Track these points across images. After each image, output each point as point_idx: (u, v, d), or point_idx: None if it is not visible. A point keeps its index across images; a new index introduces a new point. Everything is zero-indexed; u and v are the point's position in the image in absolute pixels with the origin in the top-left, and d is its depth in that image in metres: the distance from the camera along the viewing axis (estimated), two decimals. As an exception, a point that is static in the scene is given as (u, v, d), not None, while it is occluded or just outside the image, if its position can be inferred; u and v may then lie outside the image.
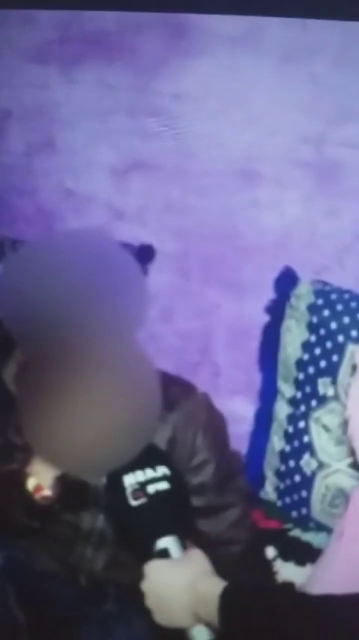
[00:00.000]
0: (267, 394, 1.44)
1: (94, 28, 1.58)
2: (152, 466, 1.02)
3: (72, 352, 0.97)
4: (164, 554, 0.99)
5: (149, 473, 1.02)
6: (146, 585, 0.98)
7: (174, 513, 1.02)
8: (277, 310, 1.43)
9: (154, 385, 1.00)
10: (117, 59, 1.55)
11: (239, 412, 1.45)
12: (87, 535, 1.16)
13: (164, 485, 1.01)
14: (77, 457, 0.97)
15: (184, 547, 1.00)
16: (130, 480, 1.01)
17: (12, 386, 1.15)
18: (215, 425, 1.19)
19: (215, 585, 0.93)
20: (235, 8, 1.44)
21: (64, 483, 1.08)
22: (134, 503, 1.00)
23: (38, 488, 1.06)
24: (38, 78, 1.63)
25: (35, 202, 1.67)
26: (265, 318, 1.46)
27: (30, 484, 1.06)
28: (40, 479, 1.05)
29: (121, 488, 1.01)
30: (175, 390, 1.16)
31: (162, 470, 1.03)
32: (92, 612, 1.15)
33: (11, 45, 1.65)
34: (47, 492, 1.06)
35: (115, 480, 1.03)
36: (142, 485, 1.01)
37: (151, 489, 1.01)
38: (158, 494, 1.00)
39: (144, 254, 1.53)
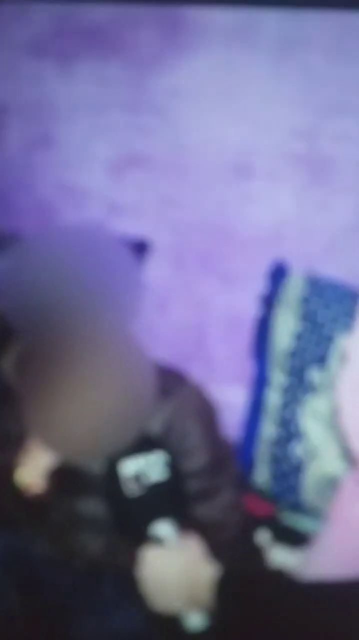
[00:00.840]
0: (260, 383, 1.45)
1: (90, 22, 1.58)
2: (147, 454, 1.02)
3: (70, 342, 0.99)
4: (160, 540, 0.99)
5: (144, 461, 1.01)
6: (142, 572, 0.98)
7: (169, 500, 1.03)
8: (269, 301, 1.43)
9: (147, 374, 1.01)
10: (113, 54, 1.55)
11: (232, 400, 1.45)
12: (84, 522, 1.16)
13: (159, 473, 1.02)
14: (74, 441, 0.99)
15: (179, 533, 1.00)
16: (126, 469, 1.01)
17: (10, 375, 1.14)
18: (207, 412, 1.20)
19: (210, 571, 0.94)
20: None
21: (57, 473, 1.07)
22: (129, 492, 1.00)
23: (28, 479, 1.07)
24: (34, 72, 1.62)
25: (33, 196, 1.67)
26: (257, 309, 1.45)
27: (21, 474, 1.06)
28: (32, 469, 1.06)
29: (116, 477, 1.01)
30: (169, 380, 1.17)
31: (157, 457, 1.02)
32: (89, 599, 1.15)
33: (7, 40, 1.63)
34: (36, 483, 1.06)
35: (111, 469, 1.02)
36: (138, 474, 1.00)
37: (146, 477, 1.00)
38: (153, 482, 1.01)
39: (140, 247, 1.53)
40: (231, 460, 1.23)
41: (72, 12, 1.55)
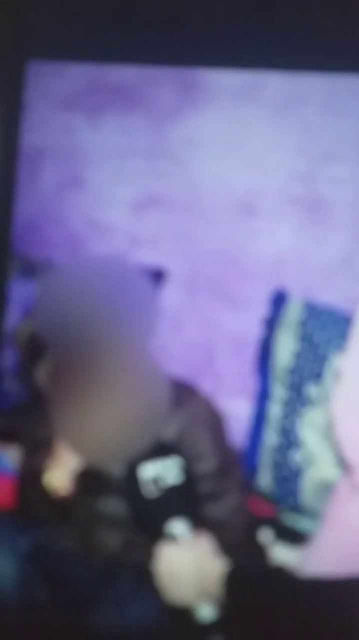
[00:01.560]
0: (263, 396, 1.44)
1: (116, 81, 1.61)
2: (164, 460, 1.00)
3: (95, 357, 1.00)
4: (175, 537, 1.00)
5: (162, 466, 1.00)
6: (158, 566, 1.00)
7: (184, 501, 1.05)
8: (271, 324, 1.43)
9: (162, 386, 1.02)
10: (136, 108, 1.58)
11: (237, 412, 1.43)
12: (105, 520, 1.15)
13: (174, 476, 1.01)
14: (97, 446, 1.01)
15: (192, 531, 1.01)
16: (144, 472, 1.00)
17: (44, 386, 1.13)
18: (216, 421, 1.21)
19: (220, 567, 0.95)
20: (237, 63, 1.43)
21: (80, 475, 1.06)
22: (147, 493, 1.00)
23: (55, 481, 1.08)
24: (67, 123, 1.63)
25: (64, 230, 1.65)
26: (261, 331, 1.46)
27: (49, 477, 1.08)
28: (60, 473, 1.08)
29: (136, 480, 0.99)
30: (182, 392, 1.18)
31: (173, 462, 1.01)
32: (108, 591, 1.14)
33: (44, 95, 1.64)
34: (64, 486, 1.08)
35: (131, 472, 1.00)
36: (156, 477, 0.99)
37: (163, 480, 0.99)
38: (170, 485, 1.03)
39: (158, 276, 1.52)
40: (238, 465, 1.22)
41: (100, 71, 1.59)
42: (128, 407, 0.97)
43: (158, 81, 1.54)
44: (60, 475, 1.06)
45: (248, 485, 1.27)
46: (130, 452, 0.99)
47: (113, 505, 1.13)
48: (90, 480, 1.11)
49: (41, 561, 1.10)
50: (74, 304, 1.00)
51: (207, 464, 1.14)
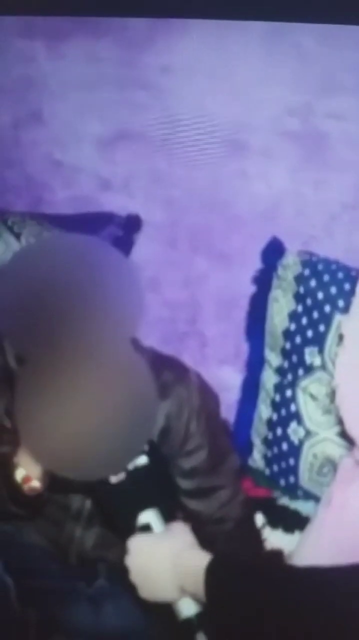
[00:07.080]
0: (255, 364, 1.39)
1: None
2: None
3: (67, 355, 0.89)
4: (146, 528, 0.95)
5: None
6: (130, 561, 0.93)
7: (154, 487, 0.97)
8: (264, 281, 1.38)
9: (149, 390, 0.92)
10: (103, 33, 1.48)
11: (227, 381, 1.40)
12: (76, 516, 1.11)
13: (142, 460, 0.96)
14: (69, 460, 0.92)
15: (166, 520, 0.95)
16: None
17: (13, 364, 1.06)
18: (208, 408, 1.14)
19: (200, 558, 0.89)
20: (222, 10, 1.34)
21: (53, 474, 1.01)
22: (113, 479, 0.95)
23: (27, 479, 1.01)
24: (25, 52, 1.55)
25: (23, 173, 1.61)
26: (252, 288, 1.40)
27: (19, 474, 1.01)
28: (29, 470, 1.00)
29: None
30: (167, 376, 1.10)
31: None
32: (82, 587, 1.10)
33: None
34: (35, 483, 1.01)
35: None
36: None
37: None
38: (136, 468, 0.95)
39: (131, 224, 1.48)
40: (231, 453, 1.16)
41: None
42: (106, 414, 0.89)
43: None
44: (27, 476, 0.99)
45: (242, 473, 1.21)
46: (116, 465, 0.93)
47: (85, 500, 1.08)
48: (59, 477, 1.04)
49: (4, 550, 1.05)
50: (41, 290, 0.89)
51: (197, 459, 1.10)
